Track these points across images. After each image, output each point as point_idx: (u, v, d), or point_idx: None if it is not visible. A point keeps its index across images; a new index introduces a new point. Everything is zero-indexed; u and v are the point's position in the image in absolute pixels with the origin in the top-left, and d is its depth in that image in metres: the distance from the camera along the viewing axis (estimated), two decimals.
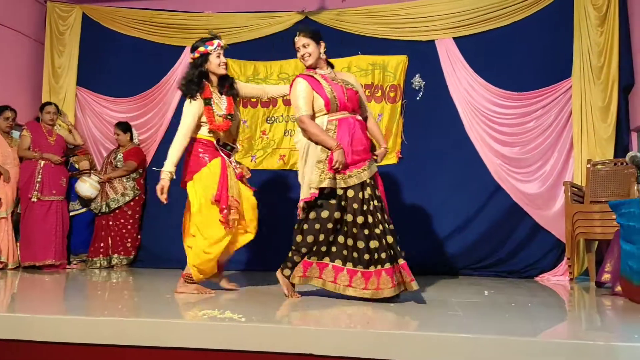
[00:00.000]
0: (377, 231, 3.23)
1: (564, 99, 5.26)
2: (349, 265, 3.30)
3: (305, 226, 3.39)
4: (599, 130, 5.12)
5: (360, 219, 3.26)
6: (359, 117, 3.50)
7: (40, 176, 5.29)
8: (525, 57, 5.35)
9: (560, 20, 5.30)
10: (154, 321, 2.55)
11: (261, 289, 4.09)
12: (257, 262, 5.46)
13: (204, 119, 3.65)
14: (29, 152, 5.32)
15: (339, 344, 2.33)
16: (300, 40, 3.49)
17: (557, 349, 2.20)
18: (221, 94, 3.74)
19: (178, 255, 5.63)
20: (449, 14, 5.51)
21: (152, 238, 5.89)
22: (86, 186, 5.56)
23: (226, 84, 3.77)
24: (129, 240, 5.76)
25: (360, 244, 3.25)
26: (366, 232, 3.25)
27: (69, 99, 6.16)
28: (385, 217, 3.30)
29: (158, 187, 3.65)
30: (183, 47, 6.03)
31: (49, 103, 5.62)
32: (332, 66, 3.61)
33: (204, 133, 3.69)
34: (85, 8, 6.28)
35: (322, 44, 3.51)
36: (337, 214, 3.29)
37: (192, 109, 3.61)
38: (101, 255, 5.65)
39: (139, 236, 5.86)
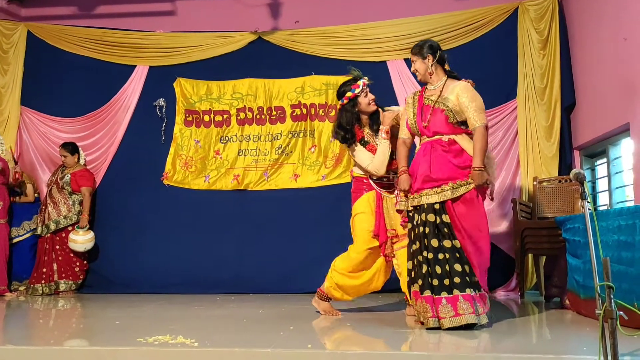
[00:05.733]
0: (420, 258, 3.12)
1: (510, 119, 5.45)
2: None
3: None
4: (543, 149, 5.32)
5: (417, 244, 3.14)
6: (445, 138, 3.21)
7: None
8: (473, 78, 5.43)
9: (505, 43, 5.51)
10: (104, 349, 2.45)
11: (219, 313, 4.01)
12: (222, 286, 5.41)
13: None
14: None
15: None
16: (411, 58, 3.38)
17: None
18: (372, 130, 3.68)
19: (128, 279, 5.53)
20: (400, 36, 5.64)
21: (101, 261, 5.70)
22: (78, 245, 5.39)
23: (377, 120, 3.69)
24: (77, 264, 5.54)
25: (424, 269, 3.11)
26: (420, 258, 3.13)
27: (12, 119, 5.94)
28: (432, 244, 3.07)
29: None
30: (134, 66, 5.95)
31: None
32: (452, 76, 3.34)
33: (358, 172, 3.71)
34: (31, 26, 6.10)
35: (430, 58, 3.28)
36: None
37: (363, 151, 3.64)
38: (43, 282, 5.40)
39: (87, 260, 5.65)
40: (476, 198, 3.14)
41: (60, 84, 5.99)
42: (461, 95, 3.21)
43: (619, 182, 4.67)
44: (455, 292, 2.99)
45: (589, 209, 2.21)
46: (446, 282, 3.02)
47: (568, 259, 3.75)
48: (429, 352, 2.43)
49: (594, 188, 5.15)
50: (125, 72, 5.95)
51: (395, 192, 3.50)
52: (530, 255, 5.03)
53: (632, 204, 4.32)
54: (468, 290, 3.01)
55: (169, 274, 5.51)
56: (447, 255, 3.05)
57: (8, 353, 2.45)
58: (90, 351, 2.47)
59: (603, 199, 4.97)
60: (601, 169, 5.09)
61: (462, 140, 3.21)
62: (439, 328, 2.98)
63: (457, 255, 3.06)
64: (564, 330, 3.19)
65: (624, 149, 4.62)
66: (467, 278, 3.03)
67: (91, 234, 5.48)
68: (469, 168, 3.13)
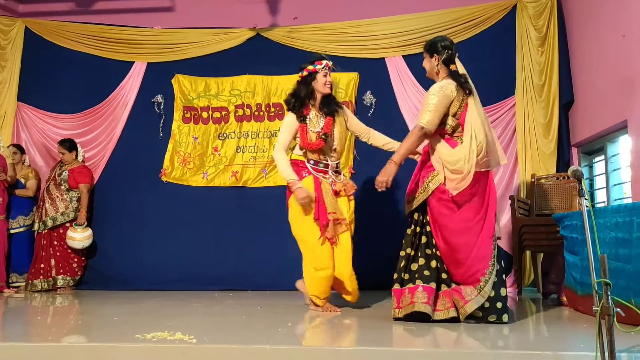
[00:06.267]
0: (402, 253, 3.33)
1: (508, 116, 5.45)
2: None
3: None
4: (541, 146, 5.33)
5: (406, 240, 3.37)
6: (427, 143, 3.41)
7: None
8: (471, 75, 5.44)
9: (503, 40, 5.51)
10: (102, 345, 2.45)
11: (217, 309, 4.01)
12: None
13: (297, 134, 3.77)
14: None
15: None
16: (423, 53, 3.44)
17: (506, 359, 2.25)
18: (321, 112, 3.81)
19: (127, 276, 5.52)
20: (398, 33, 5.63)
21: (99, 258, 5.70)
22: (76, 242, 5.40)
23: (328, 103, 3.83)
24: (75, 260, 5.54)
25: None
26: (402, 253, 3.34)
27: (9, 115, 5.92)
28: (417, 241, 3.30)
29: (299, 198, 3.61)
30: (132, 63, 5.93)
31: None
32: (454, 76, 3.30)
33: (297, 153, 3.81)
34: (28, 22, 6.08)
35: (436, 57, 3.32)
36: None
37: (288, 120, 3.78)
38: (41, 277, 5.40)
39: (85, 256, 5.65)
40: (443, 200, 3.19)
41: (58, 80, 5.97)
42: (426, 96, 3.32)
43: (616, 180, 4.68)
44: (418, 282, 3.16)
45: (586, 206, 2.21)
46: (416, 275, 3.18)
47: (565, 255, 3.75)
48: (427, 349, 2.44)
49: (591, 185, 5.16)
50: (123, 68, 5.94)
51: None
52: (528, 252, 5.04)
53: (629, 201, 4.33)
54: (432, 284, 3.14)
55: (167, 270, 5.51)
56: (428, 252, 3.22)
57: (6, 350, 2.45)
58: (88, 347, 2.47)
59: (601, 196, 4.98)
60: (599, 166, 5.09)
61: (432, 142, 3.32)
62: (400, 318, 3.16)
63: (434, 251, 3.21)
64: (562, 327, 3.20)
65: (622, 146, 4.63)
66: (438, 274, 3.18)
67: (89, 232, 5.48)
68: (430, 169, 3.27)
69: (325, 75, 3.78)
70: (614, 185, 4.69)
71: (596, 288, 2.04)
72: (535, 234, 4.69)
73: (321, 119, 3.80)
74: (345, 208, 3.80)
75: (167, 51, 5.94)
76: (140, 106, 5.89)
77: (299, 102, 3.78)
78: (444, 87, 3.23)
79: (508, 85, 5.47)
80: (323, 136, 3.75)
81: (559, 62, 5.35)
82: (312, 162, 3.77)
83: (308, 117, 3.78)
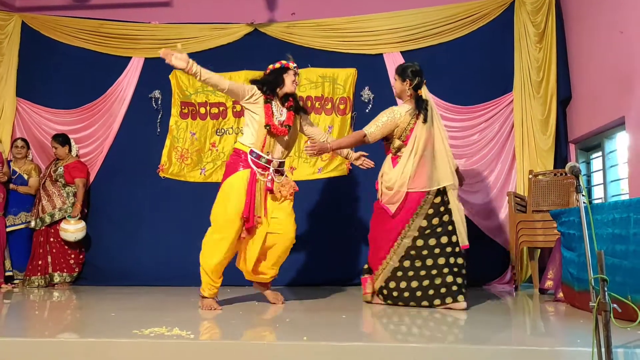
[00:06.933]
0: None
1: (506, 112, 5.45)
2: None
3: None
4: (539, 142, 5.33)
5: None
6: None
7: None
8: (469, 71, 5.52)
9: (501, 36, 5.51)
10: (99, 341, 2.45)
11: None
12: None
13: (256, 108, 3.74)
14: None
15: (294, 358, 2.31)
16: (394, 75, 3.92)
17: (503, 355, 2.25)
18: (283, 105, 3.86)
19: (124, 272, 5.52)
20: (396, 29, 5.63)
21: (97, 254, 5.69)
22: (69, 234, 5.37)
23: (295, 100, 3.90)
24: (72, 256, 5.53)
25: None
26: None
27: (8, 110, 5.89)
28: None
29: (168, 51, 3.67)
30: (129, 58, 5.91)
31: None
32: (418, 102, 3.75)
33: (243, 141, 3.78)
34: (25, 17, 6.05)
35: (408, 82, 3.76)
36: None
37: (250, 86, 3.79)
38: (39, 274, 5.39)
39: (82, 253, 5.64)
40: (376, 208, 3.86)
41: (55, 75, 5.94)
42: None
43: (614, 176, 4.69)
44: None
45: (583, 202, 2.22)
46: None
47: (563, 252, 3.76)
48: (426, 344, 2.44)
49: (589, 181, 5.17)
50: (120, 63, 5.91)
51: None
52: (525, 248, 5.04)
53: (626, 197, 4.33)
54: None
55: (164, 266, 5.50)
56: None
57: (2, 345, 2.44)
58: (85, 343, 2.47)
59: (598, 193, 4.99)
60: (596, 163, 5.10)
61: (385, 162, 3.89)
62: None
63: None
64: (558, 323, 3.21)
65: (619, 142, 4.64)
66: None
67: (82, 224, 5.45)
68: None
69: (294, 74, 3.86)
70: (611, 181, 4.70)
71: (593, 284, 2.05)
72: (532, 230, 4.70)
73: (284, 111, 3.83)
74: (279, 208, 3.81)
75: (165, 46, 5.85)
76: (137, 102, 5.86)
77: (269, 88, 3.78)
78: (395, 112, 3.74)
79: (506, 81, 5.47)
80: (287, 127, 3.76)
81: (557, 59, 5.36)
82: (254, 154, 3.71)
83: (271, 100, 3.79)
